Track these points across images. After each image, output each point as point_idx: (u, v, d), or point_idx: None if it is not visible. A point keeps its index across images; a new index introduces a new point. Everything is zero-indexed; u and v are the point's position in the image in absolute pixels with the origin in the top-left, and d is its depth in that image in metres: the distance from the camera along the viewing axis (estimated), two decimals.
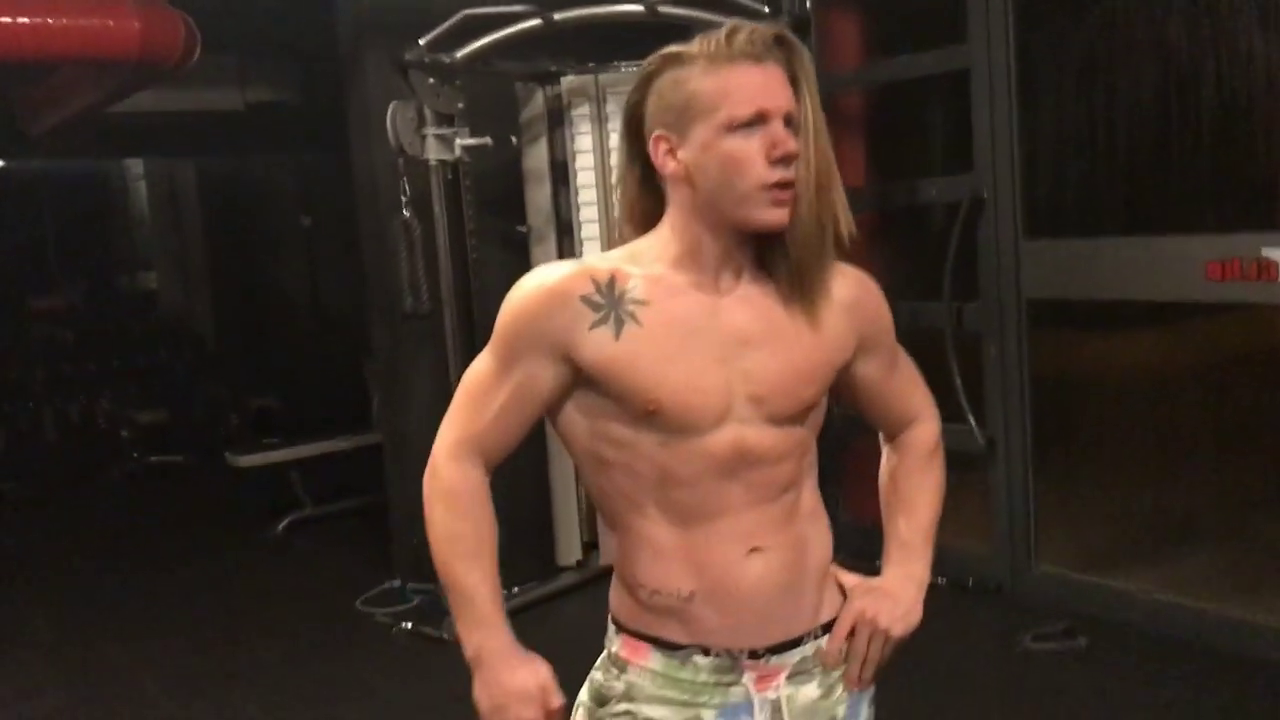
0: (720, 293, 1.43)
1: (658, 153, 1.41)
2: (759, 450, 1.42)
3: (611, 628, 1.52)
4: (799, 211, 1.39)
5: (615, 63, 4.40)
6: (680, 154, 1.40)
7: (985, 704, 3.46)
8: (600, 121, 4.38)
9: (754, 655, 1.46)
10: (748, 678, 1.46)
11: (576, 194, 4.44)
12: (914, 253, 4.60)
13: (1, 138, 7.62)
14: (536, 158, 4.47)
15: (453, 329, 4.15)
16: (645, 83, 1.43)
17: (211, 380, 8.67)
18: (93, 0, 4.41)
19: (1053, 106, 3.95)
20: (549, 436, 4.56)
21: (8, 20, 4.23)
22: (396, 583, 4.73)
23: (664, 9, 3.92)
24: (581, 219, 4.44)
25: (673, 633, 1.45)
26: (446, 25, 3.90)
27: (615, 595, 1.52)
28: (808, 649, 1.50)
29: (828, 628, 1.52)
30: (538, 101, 4.46)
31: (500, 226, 4.49)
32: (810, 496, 1.51)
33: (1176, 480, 4.21)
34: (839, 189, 1.41)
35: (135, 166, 11.83)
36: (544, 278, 1.43)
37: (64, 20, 4.35)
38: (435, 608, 4.42)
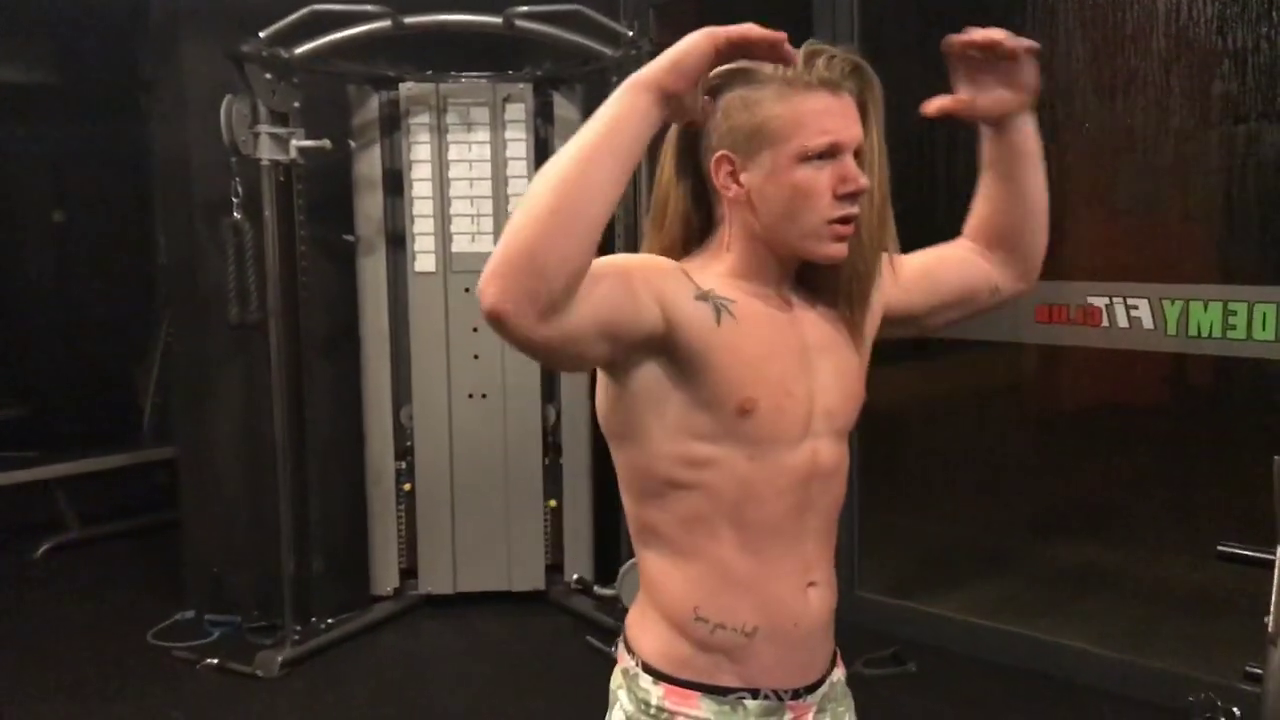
0: (786, 304, 1.42)
1: (719, 174, 1.36)
2: (828, 465, 1.41)
3: (645, 677, 1.41)
4: (860, 244, 1.38)
5: (456, 73, 4.26)
6: (744, 178, 1.35)
7: None
8: (440, 131, 4.22)
9: (795, 695, 1.43)
10: (788, 718, 1.43)
11: (411, 205, 4.25)
12: None
13: None
14: (368, 164, 4.26)
15: (278, 340, 3.87)
16: (708, 96, 1.36)
17: None
18: None
19: (894, 150, 4.10)
20: (367, 462, 4.39)
21: None
22: (190, 614, 4.35)
23: (522, 24, 3.81)
24: (415, 231, 4.26)
25: (724, 677, 1.39)
26: (292, 19, 3.65)
27: (652, 641, 1.42)
28: (825, 685, 1.49)
29: (832, 663, 1.52)
30: (372, 106, 4.24)
31: (325, 234, 4.23)
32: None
33: (980, 508, 4.47)
34: (892, 219, 1.41)
35: None
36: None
37: None
38: (240, 641, 4.11)
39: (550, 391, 4.43)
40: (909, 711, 3.58)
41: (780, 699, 1.41)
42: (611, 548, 4.22)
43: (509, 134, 4.22)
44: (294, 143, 3.82)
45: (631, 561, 2.13)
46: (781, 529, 1.38)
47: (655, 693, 1.40)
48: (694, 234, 1.43)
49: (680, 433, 1.34)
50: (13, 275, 8.59)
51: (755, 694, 1.40)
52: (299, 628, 3.98)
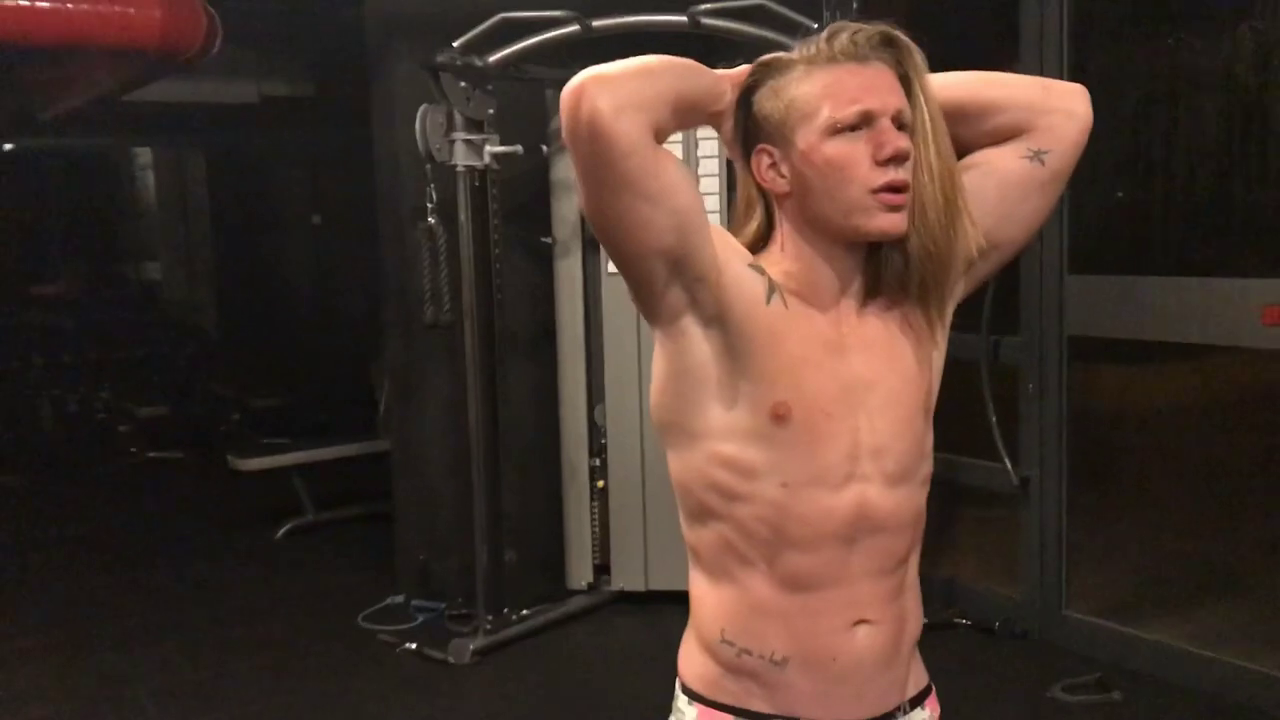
0: (840, 325, 1.32)
1: (761, 169, 1.31)
2: (881, 515, 1.31)
3: (683, 697, 1.40)
4: (925, 221, 1.26)
5: None
6: (784, 168, 1.29)
7: None
8: None
9: None
10: None
11: None
12: None
13: (10, 120, 7.48)
14: (565, 168, 4.33)
15: (472, 342, 4.01)
16: (744, 98, 1.32)
17: (214, 377, 8.52)
18: None
19: (1104, 138, 3.82)
20: (562, 459, 4.48)
21: (26, 3, 4.11)
22: (400, 599, 4.58)
23: (707, 21, 3.79)
24: None
25: (756, 703, 1.34)
26: (482, 28, 3.76)
27: (690, 662, 1.40)
28: None
29: (915, 701, 1.42)
30: None
31: (524, 237, 4.35)
32: (915, 569, 1.40)
33: (1213, 526, 4.08)
34: (964, 198, 1.28)
35: (143, 155, 11.71)
36: None
37: (84, 5, 4.22)
38: (441, 628, 4.29)
39: None
40: None
41: None
42: None
43: (700, 133, 4.19)
44: (488, 149, 3.94)
45: None
46: (823, 572, 1.31)
47: (690, 713, 1.39)
48: (761, 240, 1.38)
49: (715, 453, 1.30)
50: (276, 274, 9.34)
51: None
52: (492, 618, 4.11)
